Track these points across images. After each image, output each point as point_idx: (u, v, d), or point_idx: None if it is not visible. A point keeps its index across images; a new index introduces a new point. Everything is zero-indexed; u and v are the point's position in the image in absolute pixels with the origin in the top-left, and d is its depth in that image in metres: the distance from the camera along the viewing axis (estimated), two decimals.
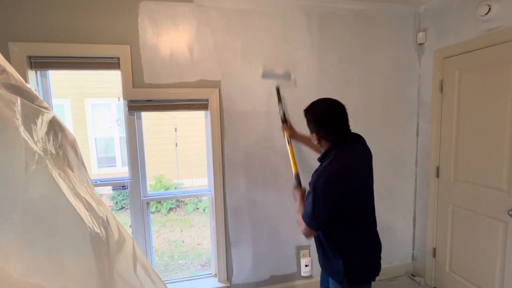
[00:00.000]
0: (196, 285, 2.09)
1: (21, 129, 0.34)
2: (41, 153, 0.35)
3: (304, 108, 1.30)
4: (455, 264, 2.07)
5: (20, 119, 0.34)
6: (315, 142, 1.28)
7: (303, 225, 1.23)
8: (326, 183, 1.16)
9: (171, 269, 3.22)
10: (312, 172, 1.25)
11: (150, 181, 4.88)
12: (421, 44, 2.24)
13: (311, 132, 1.29)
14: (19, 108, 0.35)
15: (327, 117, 1.22)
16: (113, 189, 1.98)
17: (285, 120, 1.79)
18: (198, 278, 2.17)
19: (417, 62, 2.28)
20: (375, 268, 1.30)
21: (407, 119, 2.32)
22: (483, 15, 1.75)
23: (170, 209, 4.91)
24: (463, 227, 1.99)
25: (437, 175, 2.17)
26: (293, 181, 1.50)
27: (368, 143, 2.21)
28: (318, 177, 1.17)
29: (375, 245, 1.32)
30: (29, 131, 0.36)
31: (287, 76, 1.52)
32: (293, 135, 1.77)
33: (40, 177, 0.33)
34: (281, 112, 1.76)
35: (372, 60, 2.17)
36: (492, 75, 1.74)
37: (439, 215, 2.17)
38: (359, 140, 1.33)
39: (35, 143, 0.36)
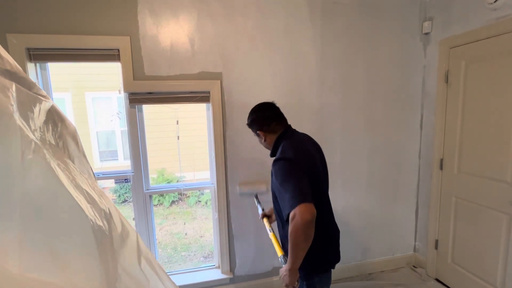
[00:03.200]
0: (200, 276, 2.11)
1: (16, 116, 0.32)
2: (38, 142, 0.33)
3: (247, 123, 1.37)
4: (457, 256, 2.07)
5: (15, 106, 0.33)
6: (263, 141, 1.33)
7: (294, 217, 1.00)
8: (287, 163, 1.12)
9: (174, 261, 3.26)
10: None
11: (152, 175, 4.90)
12: (426, 33, 2.19)
13: (257, 132, 1.33)
14: (14, 94, 0.34)
15: (264, 110, 1.32)
16: (115, 182, 1.99)
17: (264, 216, 1.62)
18: (201, 270, 2.19)
19: (422, 52, 2.23)
20: (335, 257, 1.29)
21: (411, 111, 2.29)
22: (491, 3, 1.70)
23: (173, 202, 4.94)
24: (466, 219, 1.98)
25: (441, 168, 2.15)
26: (281, 263, 1.24)
27: (371, 135, 2.23)
28: (278, 164, 1.14)
29: (336, 233, 1.31)
30: (25, 119, 0.35)
31: (262, 191, 1.64)
32: (271, 220, 1.60)
33: (38, 167, 0.32)
34: (260, 210, 1.64)
35: (376, 51, 2.13)
36: (500, 65, 1.70)
37: (442, 207, 2.17)
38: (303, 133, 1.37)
39: (32, 132, 0.34)
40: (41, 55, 1.70)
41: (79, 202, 0.34)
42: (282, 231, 1.29)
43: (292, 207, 1.00)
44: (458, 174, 2.03)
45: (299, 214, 0.98)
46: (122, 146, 5.30)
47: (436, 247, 2.23)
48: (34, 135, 0.33)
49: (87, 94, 5.06)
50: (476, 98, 1.86)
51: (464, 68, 1.93)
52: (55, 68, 1.90)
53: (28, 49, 1.67)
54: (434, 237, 2.24)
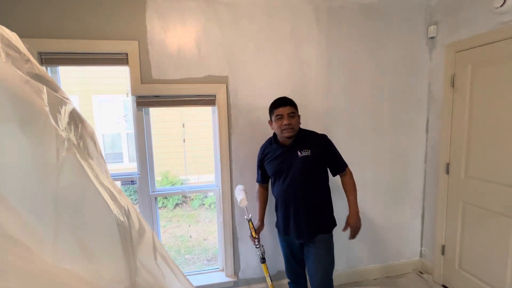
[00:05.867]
0: (204, 279, 2.11)
1: (50, 116, 0.34)
2: (69, 142, 0.35)
3: (288, 98, 1.58)
4: (464, 262, 2.04)
5: (48, 107, 0.35)
6: (298, 120, 1.58)
7: (350, 171, 1.62)
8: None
9: (178, 263, 3.25)
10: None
11: (157, 177, 4.92)
12: (432, 38, 2.19)
13: (298, 116, 1.58)
14: (46, 96, 0.36)
15: None
16: (122, 184, 2.01)
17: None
18: (205, 273, 2.19)
19: (428, 57, 2.23)
20: None
21: (417, 115, 2.29)
22: (497, 7, 1.70)
23: (177, 204, 4.96)
24: (474, 224, 1.96)
25: (447, 172, 2.13)
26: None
27: (376, 138, 2.23)
28: (325, 136, 1.62)
29: None
30: (55, 120, 0.37)
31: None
32: (262, 221, 1.80)
33: (70, 165, 0.33)
34: (260, 252, 1.70)
35: (382, 55, 2.14)
36: (506, 69, 1.70)
37: (449, 212, 2.14)
38: None
39: (61, 132, 0.36)
40: (52, 59, 1.74)
41: (105, 199, 0.36)
42: (316, 218, 1.55)
43: (346, 166, 1.61)
44: (465, 179, 2.01)
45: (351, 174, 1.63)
46: (127, 148, 5.36)
47: (442, 253, 2.21)
48: (64, 134, 0.35)
49: (94, 97, 5.14)
50: (483, 102, 1.85)
51: (471, 72, 1.92)
52: (64, 71, 1.94)
53: (40, 53, 1.71)
54: (441, 243, 2.21)
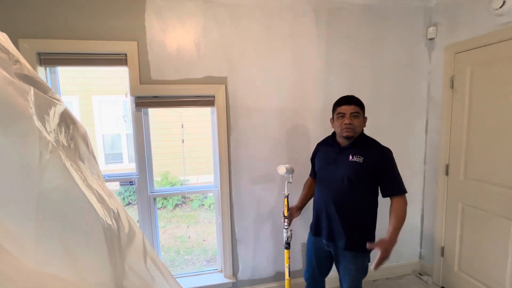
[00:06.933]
0: (203, 280, 2.11)
1: (35, 118, 0.34)
2: (54, 144, 0.35)
3: (354, 97, 1.45)
4: (464, 264, 2.03)
5: (33, 109, 0.35)
6: (363, 123, 1.47)
7: (405, 199, 1.40)
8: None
9: (177, 264, 3.26)
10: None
11: (156, 178, 4.92)
12: (431, 39, 2.19)
13: (363, 117, 1.47)
14: (32, 98, 0.35)
15: None
16: (120, 185, 2.00)
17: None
18: (204, 274, 2.19)
19: (427, 58, 2.23)
20: None
21: (416, 116, 2.28)
22: (497, 9, 1.70)
23: (176, 205, 4.95)
24: (473, 226, 1.95)
25: (447, 173, 2.13)
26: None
27: (376, 139, 2.21)
28: (387, 150, 1.49)
29: None
30: (42, 121, 0.36)
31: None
32: (300, 207, 1.69)
33: (54, 167, 0.33)
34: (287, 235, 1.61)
35: (381, 56, 2.14)
36: (505, 70, 1.70)
37: (448, 213, 2.14)
38: None
39: (48, 134, 0.36)
40: (51, 60, 1.74)
41: (91, 201, 0.35)
42: (356, 234, 1.45)
43: (404, 191, 1.41)
44: (464, 180, 2.00)
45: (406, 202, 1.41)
46: (127, 149, 5.36)
47: (442, 255, 2.20)
48: (49, 136, 0.35)
49: (93, 97, 5.14)
50: (482, 103, 1.85)
51: (470, 73, 1.92)
52: (63, 72, 1.94)
53: (39, 54, 1.71)
54: (440, 244, 2.20)
